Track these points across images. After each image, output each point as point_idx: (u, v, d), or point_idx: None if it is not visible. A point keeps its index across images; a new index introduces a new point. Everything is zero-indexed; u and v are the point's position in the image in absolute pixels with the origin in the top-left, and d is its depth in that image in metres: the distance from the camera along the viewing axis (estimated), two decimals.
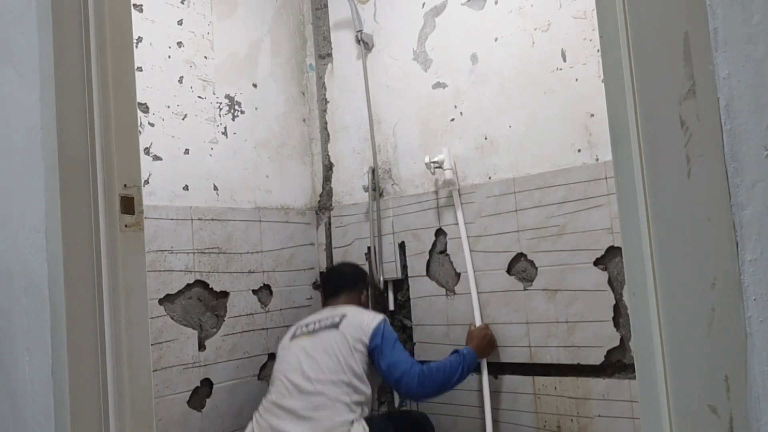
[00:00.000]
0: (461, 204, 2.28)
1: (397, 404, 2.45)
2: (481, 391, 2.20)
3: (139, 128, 2.05)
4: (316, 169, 2.76)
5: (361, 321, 2.09)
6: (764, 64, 0.63)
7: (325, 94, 2.76)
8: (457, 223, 2.28)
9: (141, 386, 1.03)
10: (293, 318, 2.56)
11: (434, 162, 2.31)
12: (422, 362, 2.07)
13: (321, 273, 2.66)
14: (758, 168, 0.63)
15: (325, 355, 2.01)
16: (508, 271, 2.17)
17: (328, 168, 2.73)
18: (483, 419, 2.18)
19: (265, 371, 2.41)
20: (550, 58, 2.11)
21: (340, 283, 2.33)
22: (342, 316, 2.11)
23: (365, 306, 2.32)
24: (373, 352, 2.03)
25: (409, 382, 1.99)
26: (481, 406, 2.19)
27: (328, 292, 2.36)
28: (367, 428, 1.92)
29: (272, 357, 2.46)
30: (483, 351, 2.16)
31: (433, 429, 2.24)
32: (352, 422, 1.91)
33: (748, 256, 0.63)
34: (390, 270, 2.47)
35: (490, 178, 2.24)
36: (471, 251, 2.25)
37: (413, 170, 2.46)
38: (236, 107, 2.46)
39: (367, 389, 2.00)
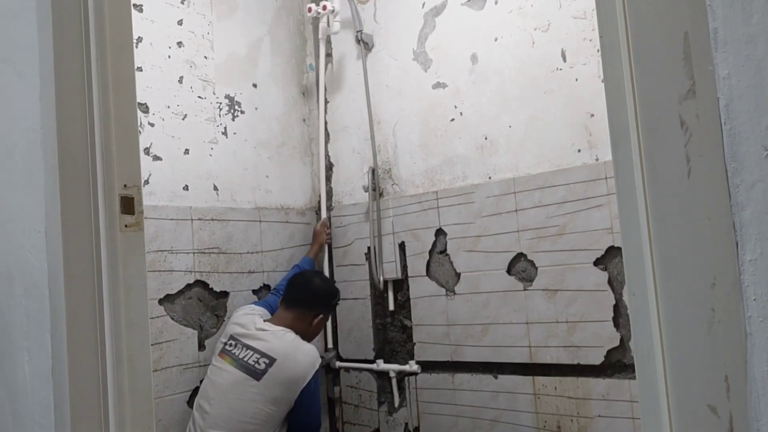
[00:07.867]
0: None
1: (396, 404, 2.44)
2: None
3: (139, 128, 2.05)
4: (316, 169, 2.76)
5: (293, 372, 2.04)
6: (764, 64, 0.63)
7: (325, 94, 2.76)
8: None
9: (141, 386, 1.03)
10: None
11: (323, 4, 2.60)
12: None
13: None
14: (758, 168, 0.63)
15: (234, 402, 1.98)
16: (508, 271, 2.17)
17: (328, 168, 2.73)
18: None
19: None
20: (550, 58, 2.11)
21: (302, 295, 2.23)
22: (270, 362, 2.03)
23: (314, 332, 2.24)
24: (293, 403, 2.06)
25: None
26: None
27: (286, 296, 2.25)
28: None
29: None
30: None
31: None
32: None
33: (748, 256, 0.63)
34: (390, 270, 2.47)
35: (490, 178, 2.24)
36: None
37: (413, 170, 2.45)
38: (236, 107, 2.46)
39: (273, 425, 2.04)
